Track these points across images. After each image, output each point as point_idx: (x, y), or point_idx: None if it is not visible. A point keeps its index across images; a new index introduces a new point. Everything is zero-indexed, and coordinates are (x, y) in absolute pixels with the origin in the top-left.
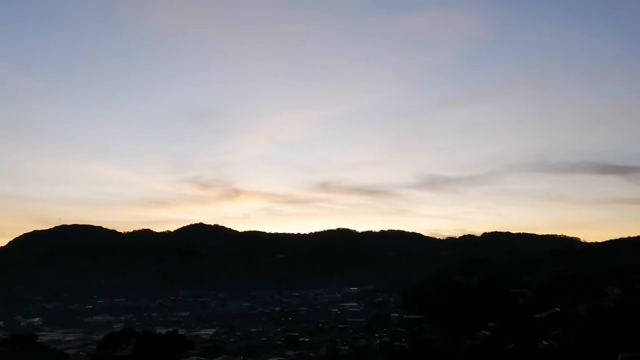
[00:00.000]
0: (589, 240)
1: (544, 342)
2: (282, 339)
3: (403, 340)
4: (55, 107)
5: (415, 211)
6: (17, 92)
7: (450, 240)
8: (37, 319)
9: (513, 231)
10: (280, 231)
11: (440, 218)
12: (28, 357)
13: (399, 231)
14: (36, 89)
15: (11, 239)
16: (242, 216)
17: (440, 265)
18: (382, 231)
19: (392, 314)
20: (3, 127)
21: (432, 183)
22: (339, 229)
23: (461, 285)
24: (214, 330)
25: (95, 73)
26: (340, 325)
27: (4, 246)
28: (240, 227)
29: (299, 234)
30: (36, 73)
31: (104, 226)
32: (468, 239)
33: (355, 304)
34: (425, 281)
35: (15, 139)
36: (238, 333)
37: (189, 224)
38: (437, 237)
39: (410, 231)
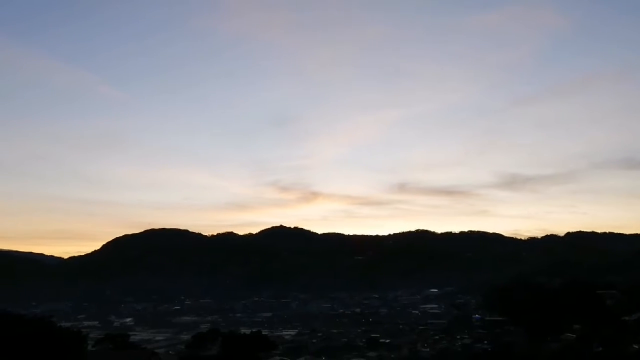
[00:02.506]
0: None
1: (634, 346)
2: (363, 340)
3: (485, 342)
4: (142, 116)
5: (495, 211)
6: (106, 103)
7: (532, 240)
8: (129, 319)
9: (599, 230)
10: (358, 233)
11: (521, 218)
12: (121, 356)
13: (479, 232)
14: (123, 99)
15: (104, 243)
16: (321, 218)
17: (522, 266)
18: (461, 232)
19: (474, 316)
20: (95, 137)
21: (512, 182)
22: (418, 230)
23: (544, 286)
24: (296, 331)
25: (177, 81)
26: (420, 327)
27: (98, 250)
28: (320, 229)
29: (377, 235)
30: (122, 83)
31: (189, 230)
32: (550, 239)
33: (435, 305)
34: (507, 282)
35: (106, 147)
36: (319, 334)
37: (270, 226)
38: (518, 238)
39: (491, 232)
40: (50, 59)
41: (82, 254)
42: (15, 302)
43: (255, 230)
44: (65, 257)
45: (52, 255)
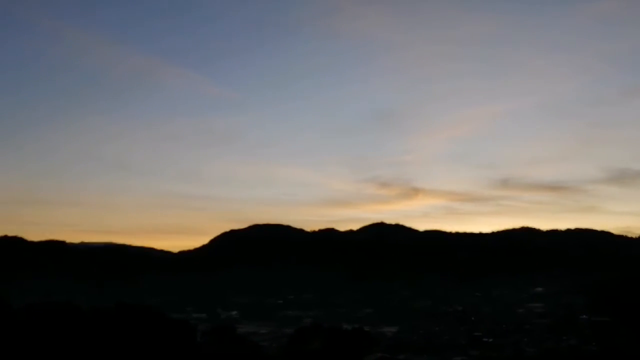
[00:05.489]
0: None
1: None
2: (466, 338)
3: (593, 344)
4: (248, 115)
5: (604, 208)
6: (216, 102)
7: None
8: (235, 312)
9: None
10: (461, 230)
11: (632, 215)
12: (228, 347)
13: (586, 229)
14: (232, 98)
15: (212, 237)
16: (422, 215)
17: (634, 265)
18: (568, 229)
19: (581, 316)
20: (204, 135)
21: (622, 177)
22: (522, 227)
23: None
24: (397, 327)
25: (282, 80)
26: (525, 326)
27: (206, 244)
28: (421, 225)
29: (480, 232)
30: (232, 83)
31: (292, 225)
32: None
33: (540, 304)
34: (617, 282)
35: (215, 145)
36: (421, 331)
37: (370, 222)
38: (629, 236)
39: (599, 229)
40: (168, 65)
41: (191, 248)
42: (129, 294)
43: (356, 226)
44: (175, 251)
45: (163, 250)
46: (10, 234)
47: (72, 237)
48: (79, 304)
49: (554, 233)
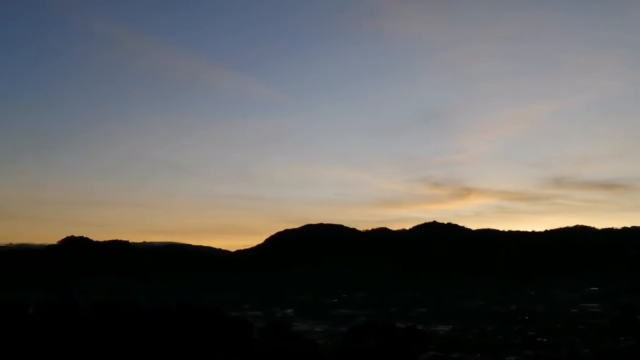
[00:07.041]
0: None
1: None
2: (519, 338)
3: None
4: (299, 116)
5: None
6: (267, 103)
7: None
8: (290, 310)
9: None
10: (513, 229)
11: None
12: (284, 345)
13: None
14: (282, 100)
15: (267, 237)
16: (474, 214)
17: None
18: (624, 228)
19: (639, 317)
20: (256, 136)
21: None
22: (576, 226)
23: None
24: (450, 327)
25: (331, 80)
26: (580, 327)
27: (261, 243)
28: (473, 225)
29: (533, 231)
30: (282, 85)
31: (344, 225)
32: None
33: (596, 304)
34: None
35: (267, 147)
36: (474, 330)
37: (423, 222)
38: None
39: None
40: (220, 67)
41: (247, 247)
42: (188, 292)
43: (408, 226)
44: (232, 250)
45: (220, 249)
46: (76, 234)
47: (134, 237)
48: (142, 302)
49: (610, 232)
